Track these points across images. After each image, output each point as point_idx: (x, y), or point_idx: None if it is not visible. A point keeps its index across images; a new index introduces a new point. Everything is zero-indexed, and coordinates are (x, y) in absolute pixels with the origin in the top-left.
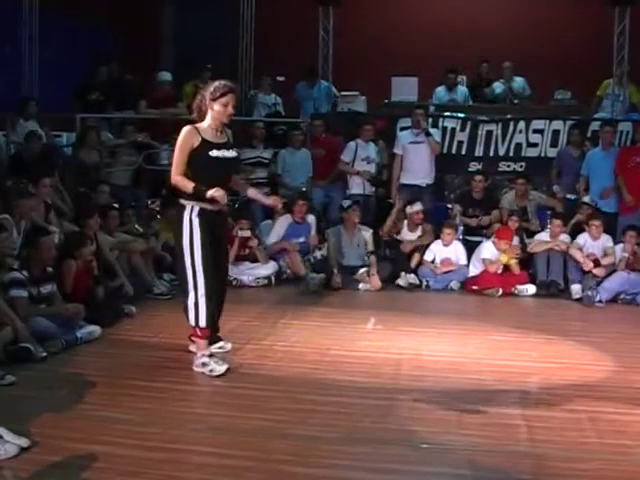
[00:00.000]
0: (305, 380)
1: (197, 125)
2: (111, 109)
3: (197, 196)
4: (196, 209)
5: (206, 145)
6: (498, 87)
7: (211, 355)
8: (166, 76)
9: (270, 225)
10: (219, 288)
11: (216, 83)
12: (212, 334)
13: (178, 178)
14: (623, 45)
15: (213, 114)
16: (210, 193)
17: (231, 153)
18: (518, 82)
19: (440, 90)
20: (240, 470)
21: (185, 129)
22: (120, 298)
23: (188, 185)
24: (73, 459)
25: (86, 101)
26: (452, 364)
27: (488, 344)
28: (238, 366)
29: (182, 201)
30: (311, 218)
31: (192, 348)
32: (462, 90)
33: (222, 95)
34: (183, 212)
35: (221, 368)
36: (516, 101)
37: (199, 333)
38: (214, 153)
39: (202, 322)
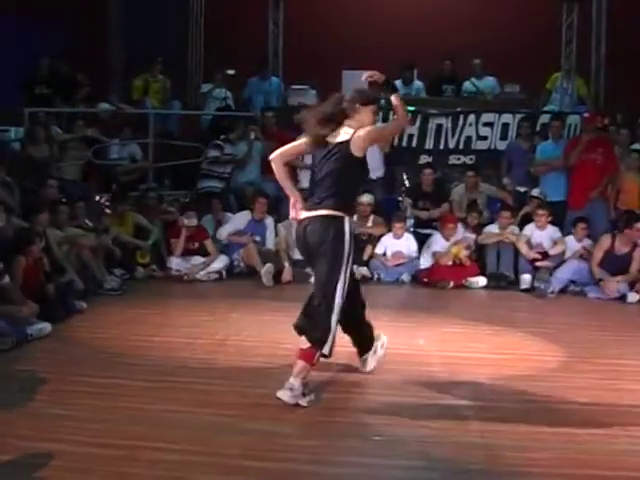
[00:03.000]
0: (258, 374)
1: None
2: (59, 103)
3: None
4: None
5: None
6: (468, 86)
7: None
8: (106, 107)
9: (211, 220)
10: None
11: (367, 90)
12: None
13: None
14: (571, 39)
15: (362, 118)
16: None
17: None
18: (488, 81)
19: (397, 84)
20: (194, 465)
21: (366, 129)
22: (71, 294)
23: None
24: (24, 457)
25: (32, 95)
26: (403, 356)
27: (439, 336)
28: (190, 361)
29: (337, 213)
30: (270, 220)
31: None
32: (417, 84)
33: (373, 101)
34: (344, 224)
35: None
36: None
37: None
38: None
39: (326, 349)
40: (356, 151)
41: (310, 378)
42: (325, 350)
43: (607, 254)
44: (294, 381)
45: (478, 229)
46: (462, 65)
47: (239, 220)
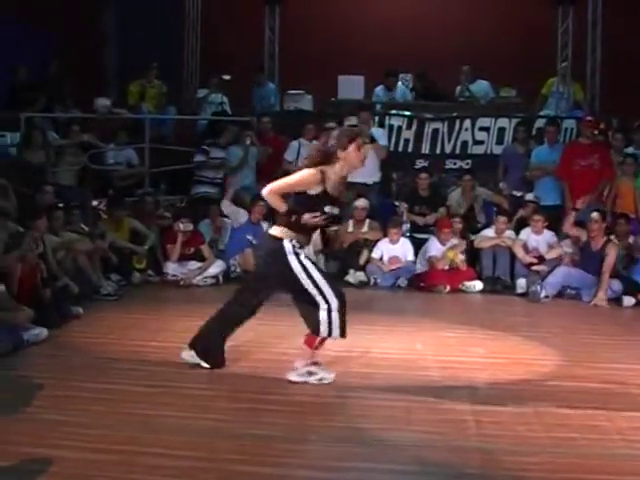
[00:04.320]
0: (253, 379)
1: (324, 170)
2: (56, 108)
3: (289, 222)
4: (294, 242)
5: (324, 198)
6: (462, 90)
7: (316, 363)
8: (104, 103)
9: (208, 224)
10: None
11: (345, 128)
12: None
13: (276, 197)
14: (567, 44)
15: (348, 159)
16: (306, 218)
17: (337, 210)
18: (482, 85)
19: (379, 90)
20: (191, 471)
21: (309, 172)
22: (67, 299)
23: (281, 205)
24: (21, 463)
25: (16, 100)
26: (401, 361)
27: (436, 341)
28: (187, 367)
29: (278, 233)
30: (266, 225)
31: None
32: (402, 89)
33: (354, 138)
34: (282, 247)
35: (330, 376)
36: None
37: (317, 343)
38: (327, 209)
39: (335, 332)
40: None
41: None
42: (325, 333)
43: (584, 251)
44: (297, 363)
45: (465, 234)
46: (456, 70)
47: (239, 213)
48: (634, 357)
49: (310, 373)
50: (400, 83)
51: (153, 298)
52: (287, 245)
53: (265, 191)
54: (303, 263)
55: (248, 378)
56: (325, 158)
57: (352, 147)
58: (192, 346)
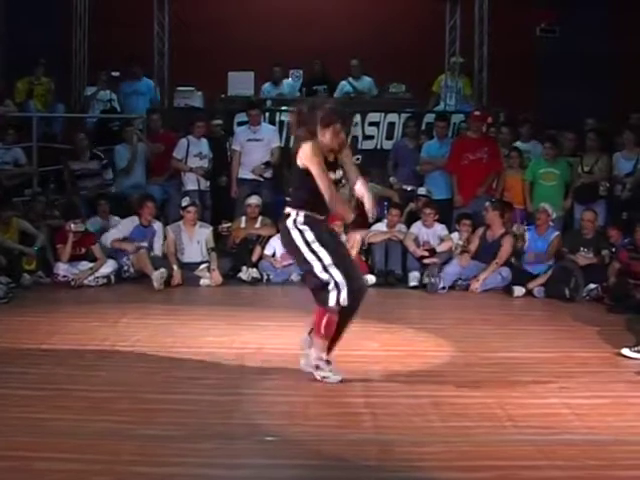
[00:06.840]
0: (149, 379)
1: (318, 142)
2: None
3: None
4: (301, 215)
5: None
6: (345, 86)
7: (328, 362)
8: None
9: (99, 222)
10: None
11: (327, 107)
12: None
13: (333, 191)
14: (455, 39)
15: (323, 140)
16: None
17: (339, 174)
18: (365, 82)
19: (267, 86)
20: (88, 474)
21: (310, 144)
22: None
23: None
24: None
25: None
26: (295, 357)
27: None
28: (80, 368)
29: (288, 209)
30: (158, 225)
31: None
32: (289, 83)
33: (331, 123)
34: (287, 220)
35: (336, 377)
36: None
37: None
38: (331, 175)
39: (343, 299)
40: (298, 160)
41: (201, 381)
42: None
43: (480, 241)
44: (312, 350)
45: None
46: (344, 65)
47: (125, 226)
48: (525, 346)
49: (317, 367)
50: (290, 79)
51: (44, 300)
52: (290, 218)
53: (331, 193)
54: (302, 233)
55: (144, 379)
56: (311, 134)
57: (329, 130)
58: None
